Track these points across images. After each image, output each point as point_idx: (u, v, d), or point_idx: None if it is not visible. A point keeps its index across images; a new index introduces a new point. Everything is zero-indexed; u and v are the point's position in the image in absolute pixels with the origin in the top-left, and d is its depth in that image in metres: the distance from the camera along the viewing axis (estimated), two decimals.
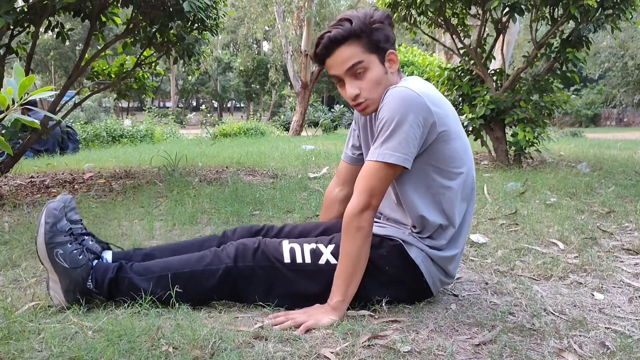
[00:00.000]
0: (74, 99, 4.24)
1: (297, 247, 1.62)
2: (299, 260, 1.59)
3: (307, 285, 1.59)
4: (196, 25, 4.06)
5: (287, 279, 1.59)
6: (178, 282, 1.57)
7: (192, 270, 1.59)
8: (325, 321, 1.47)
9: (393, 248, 1.59)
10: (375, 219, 1.72)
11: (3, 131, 3.43)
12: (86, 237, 1.68)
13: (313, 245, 1.62)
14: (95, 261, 1.63)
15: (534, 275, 1.96)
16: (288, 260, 1.59)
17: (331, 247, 1.61)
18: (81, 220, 1.71)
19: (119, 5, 3.81)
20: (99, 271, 1.60)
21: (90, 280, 1.58)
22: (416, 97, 1.47)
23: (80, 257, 1.58)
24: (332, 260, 1.59)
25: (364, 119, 1.76)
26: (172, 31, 4.04)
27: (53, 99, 3.80)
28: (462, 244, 1.66)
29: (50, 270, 1.57)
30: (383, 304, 1.58)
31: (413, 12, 4.95)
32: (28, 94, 1.07)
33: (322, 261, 1.59)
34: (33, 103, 6.29)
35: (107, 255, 1.72)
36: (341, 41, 1.51)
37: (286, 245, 1.62)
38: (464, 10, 5.00)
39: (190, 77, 38.03)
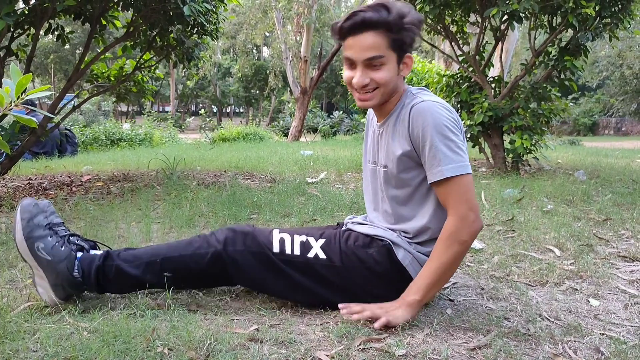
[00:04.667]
0: (72, 102, 4.25)
1: (287, 237, 1.62)
2: (287, 251, 1.59)
3: (297, 277, 1.59)
4: (196, 29, 4.08)
5: (277, 268, 1.59)
6: (167, 267, 1.57)
7: (181, 254, 1.59)
8: (400, 319, 1.47)
9: (382, 248, 1.60)
10: (363, 222, 1.72)
11: (2, 132, 3.43)
12: (71, 237, 1.66)
13: (303, 238, 1.62)
14: (80, 253, 1.62)
15: (529, 281, 1.97)
16: (277, 250, 1.59)
17: (321, 241, 1.62)
18: (63, 222, 1.69)
19: (120, 8, 3.83)
20: (85, 261, 1.58)
21: (76, 271, 1.56)
22: (442, 106, 1.51)
23: (63, 248, 1.56)
24: (321, 255, 1.59)
25: (369, 131, 1.77)
26: (172, 35, 4.05)
27: (52, 101, 3.81)
28: None
29: (34, 266, 1.55)
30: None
31: None
32: (25, 93, 1.08)
33: (311, 254, 1.59)
34: (33, 106, 6.31)
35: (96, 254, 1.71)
36: (373, 26, 1.45)
37: (276, 234, 1.63)
38: (463, 18, 5.02)
39: (189, 82, 38.10)
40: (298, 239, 1.62)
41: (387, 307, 1.51)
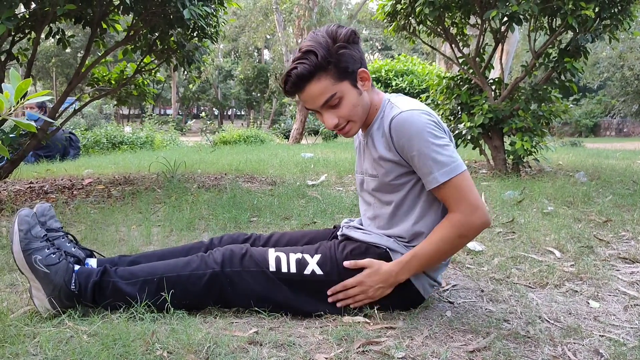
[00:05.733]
0: (74, 105, 4.26)
1: (282, 256, 1.61)
2: (284, 269, 1.59)
3: (294, 294, 1.58)
4: (196, 32, 4.09)
5: (275, 286, 1.58)
6: (164, 287, 1.56)
7: (179, 275, 1.58)
8: (379, 294, 1.57)
9: (379, 256, 1.60)
10: (359, 226, 1.73)
11: (3, 136, 3.44)
12: (68, 244, 1.66)
13: (299, 255, 1.62)
14: (77, 266, 1.61)
15: (529, 283, 1.97)
16: (273, 269, 1.59)
17: (317, 257, 1.61)
18: (62, 227, 1.68)
19: (120, 12, 3.84)
20: (82, 275, 1.57)
21: (73, 284, 1.55)
22: (421, 113, 1.50)
23: (59, 260, 1.55)
24: (318, 271, 1.59)
25: (356, 142, 1.78)
26: (172, 38, 4.06)
27: (53, 104, 3.82)
28: None
29: (31, 278, 1.53)
30: (375, 311, 1.58)
31: (412, 21, 4.98)
32: (25, 97, 1.08)
33: (307, 271, 1.59)
34: (44, 108, 6.35)
35: (92, 262, 1.70)
36: (309, 77, 1.48)
37: (272, 253, 1.62)
38: (463, 20, 5.03)
39: (191, 86, 38.15)
40: (294, 256, 1.61)
41: (371, 280, 1.57)
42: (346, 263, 1.58)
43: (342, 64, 1.49)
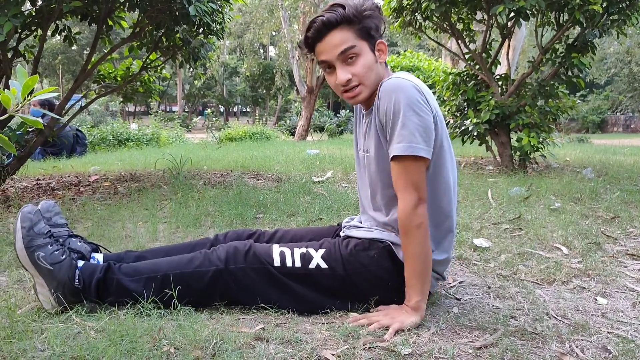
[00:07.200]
0: (80, 102, 4.27)
1: (287, 250, 1.61)
2: (289, 264, 1.59)
3: (300, 289, 1.58)
4: (202, 29, 4.08)
5: (280, 282, 1.58)
6: (167, 284, 1.55)
7: (182, 272, 1.58)
8: (410, 323, 1.48)
9: (382, 250, 1.59)
10: (359, 225, 1.72)
11: (10, 133, 3.45)
12: (73, 239, 1.66)
13: (303, 250, 1.62)
14: (81, 261, 1.61)
15: (536, 280, 1.96)
16: (278, 264, 1.59)
17: (321, 251, 1.61)
18: (67, 224, 1.68)
19: (126, 9, 3.84)
20: (87, 272, 1.57)
21: (77, 281, 1.55)
22: (413, 86, 1.48)
23: (63, 256, 1.55)
24: (323, 265, 1.59)
25: (355, 116, 1.77)
26: (178, 35, 4.06)
27: (59, 101, 3.83)
28: (450, 247, 1.66)
29: (35, 275, 1.54)
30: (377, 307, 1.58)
31: (418, 17, 4.96)
32: (32, 94, 1.08)
33: (312, 265, 1.59)
34: (52, 106, 6.37)
35: (98, 257, 1.70)
36: (334, 25, 1.50)
37: (276, 248, 1.62)
38: (470, 16, 5.01)
39: (197, 82, 38.21)
40: (298, 251, 1.61)
41: (393, 314, 1.51)
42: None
43: (366, 25, 1.51)
